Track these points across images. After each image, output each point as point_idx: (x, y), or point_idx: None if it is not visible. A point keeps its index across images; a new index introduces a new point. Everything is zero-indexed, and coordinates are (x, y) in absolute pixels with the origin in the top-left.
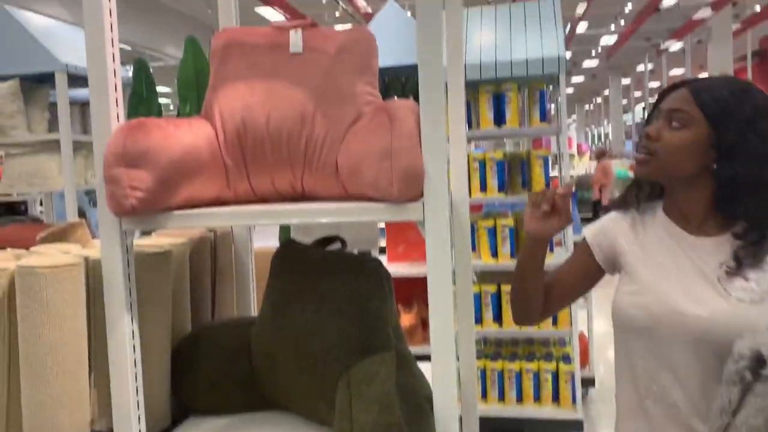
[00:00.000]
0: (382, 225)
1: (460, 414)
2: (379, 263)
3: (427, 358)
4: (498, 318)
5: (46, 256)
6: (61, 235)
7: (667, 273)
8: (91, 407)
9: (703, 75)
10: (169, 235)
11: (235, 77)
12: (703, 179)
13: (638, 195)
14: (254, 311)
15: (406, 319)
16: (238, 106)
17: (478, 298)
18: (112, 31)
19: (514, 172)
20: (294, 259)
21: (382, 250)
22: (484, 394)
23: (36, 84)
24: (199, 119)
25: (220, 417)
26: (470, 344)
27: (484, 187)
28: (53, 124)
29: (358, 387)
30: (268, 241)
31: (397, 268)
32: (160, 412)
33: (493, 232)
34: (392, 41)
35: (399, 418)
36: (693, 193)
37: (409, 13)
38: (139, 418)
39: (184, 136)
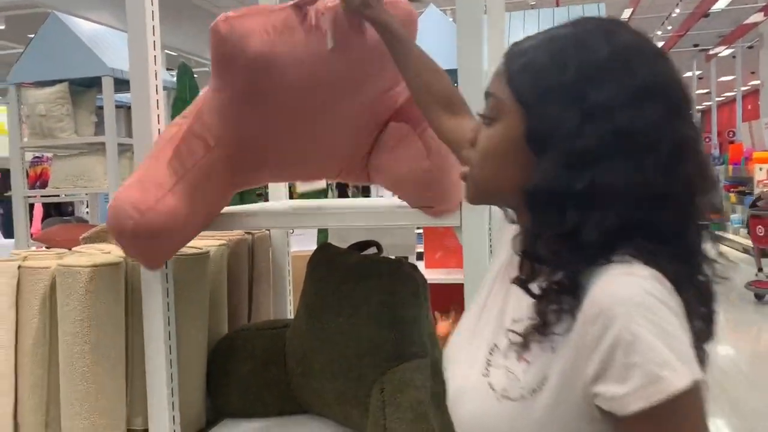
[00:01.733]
0: (419, 231)
1: None
2: (415, 269)
3: None
4: None
5: (86, 255)
6: (103, 236)
7: (470, 325)
8: (128, 406)
9: (753, 82)
10: (208, 238)
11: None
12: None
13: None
14: (290, 314)
15: (443, 327)
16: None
17: None
18: (154, 34)
19: None
20: (329, 263)
21: (420, 256)
22: None
23: (84, 88)
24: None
25: (254, 420)
26: None
27: None
28: (99, 127)
29: (392, 394)
30: (306, 245)
31: (434, 275)
32: (195, 414)
33: None
34: (433, 46)
35: (432, 427)
36: (522, 216)
37: (450, 18)
38: (174, 419)
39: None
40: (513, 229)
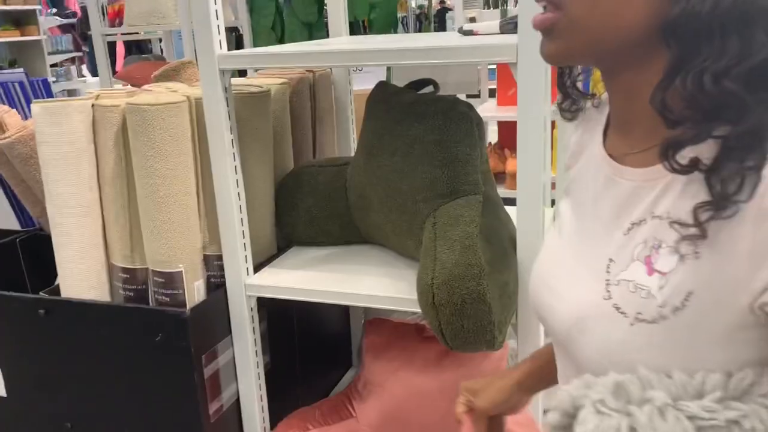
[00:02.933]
0: (492, 67)
1: None
2: (470, 107)
3: None
4: None
5: (154, 94)
6: (173, 74)
7: (565, 237)
8: (202, 234)
9: None
10: (268, 76)
11: None
12: (654, 53)
13: (568, 85)
14: (353, 152)
15: (513, 164)
16: None
17: None
18: None
19: None
20: (386, 102)
21: (492, 93)
22: None
23: None
24: None
25: (320, 248)
26: (534, 191)
27: None
28: None
29: (443, 228)
30: (372, 84)
31: (506, 112)
32: (266, 242)
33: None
34: None
35: (480, 258)
36: (635, 80)
37: None
38: (245, 246)
39: None
40: (576, 131)
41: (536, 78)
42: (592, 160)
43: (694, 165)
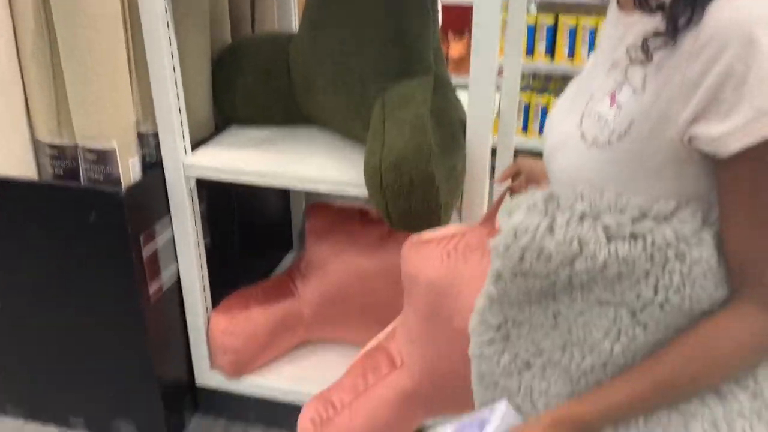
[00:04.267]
0: None
1: (495, 143)
2: None
3: None
4: (551, 51)
5: None
6: None
7: (578, 81)
8: (135, 109)
9: None
10: None
11: None
12: None
13: None
14: (295, 28)
15: (456, 49)
16: None
17: (532, 30)
18: None
19: None
20: None
21: None
22: (525, 128)
23: None
24: None
25: (260, 128)
26: (515, 75)
27: None
28: None
29: (393, 109)
30: None
31: None
32: (203, 120)
33: (573, 34)
34: None
35: (429, 140)
36: None
37: None
38: (181, 123)
39: None
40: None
41: None
42: (612, 9)
43: (660, 6)
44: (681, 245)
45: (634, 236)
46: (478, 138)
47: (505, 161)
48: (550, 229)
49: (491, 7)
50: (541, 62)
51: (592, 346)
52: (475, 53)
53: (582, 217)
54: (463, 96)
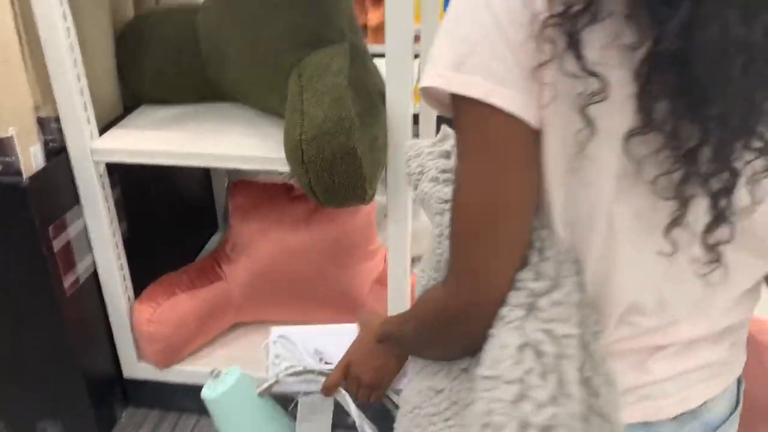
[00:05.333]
0: None
1: (416, 112)
2: None
3: None
4: None
5: None
6: None
7: None
8: (32, 92)
9: None
10: None
11: None
12: None
13: None
14: None
15: (375, 16)
16: None
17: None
18: None
19: None
20: None
21: None
22: None
23: None
24: None
25: (172, 106)
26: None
27: None
28: None
29: (310, 79)
30: None
31: None
32: (109, 101)
33: None
34: None
35: (350, 111)
36: None
37: None
38: (85, 105)
39: None
40: None
41: None
42: None
43: None
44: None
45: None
46: (399, 107)
47: (428, 129)
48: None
49: None
50: None
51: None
52: (390, 20)
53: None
54: (382, 65)
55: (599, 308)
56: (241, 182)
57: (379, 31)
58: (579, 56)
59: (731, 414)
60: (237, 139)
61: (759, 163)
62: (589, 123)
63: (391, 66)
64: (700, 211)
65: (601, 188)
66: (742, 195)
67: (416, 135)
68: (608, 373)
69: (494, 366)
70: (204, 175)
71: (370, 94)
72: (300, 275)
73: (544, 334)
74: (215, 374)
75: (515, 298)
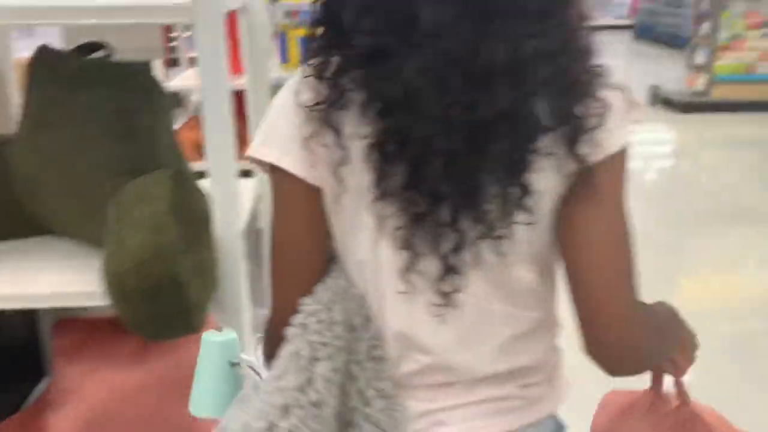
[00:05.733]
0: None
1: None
2: (148, 72)
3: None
4: None
5: None
6: None
7: None
8: None
9: None
10: None
11: None
12: None
13: None
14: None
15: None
16: None
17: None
18: None
19: None
20: (51, 68)
21: (194, 62)
22: None
23: None
24: None
25: None
26: None
27: None
28: None
29: (129, 208)
30: None
31: None
32: None
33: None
34: None
35: (171, 238)
36: None
37: None
38: None
39: None
40: None
41: (215, 41)
42: None
43: None
44: None
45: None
46: (227, 228)
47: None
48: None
49: (217, 93)
50: None
51: None
52: (209, 139)
53: None
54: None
55: (384, 339)
56: (65, 321)
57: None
58: (331, 132)
59: None
60: (57, 275)
61: (480, 228)
62: (340, 183)
63: (215, 185)
64: (432, 263)
65: (361, 235)
66: (483, 251)
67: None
68: (385, 389)
69: (273, 370)
70: (26, 315)
71: (194, 217)
72: (136, 416)
73: (305, 344)
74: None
75: (296, 318)
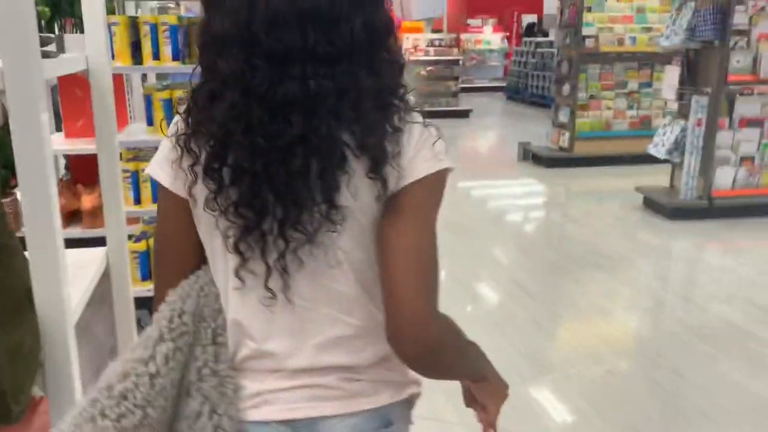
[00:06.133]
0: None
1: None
2: None
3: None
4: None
5: None
6: None
7: None
8: None
9: None
10: None
11: None
12: None
13: None
14: None
15: (89, 201)
16: None
17: (136, 175)
18: None
19: (192, 38)
20: None
21: (59, 126)
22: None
23: None
24: None
25: None
26: (119, 225)
27: (157, 55)
28: None
29: None
30: None
31: (75, 145)
32: None
33: (169, 105)
34: None
35: None
36: None
37: None
38: None
39: None
40: None
41: (32, 103)
42: None
43: None
44: None
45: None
46: (49, 305)
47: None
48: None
49: (33, 158)
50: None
51: None
52: (27, 209)
53: None
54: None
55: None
56: None
57: (96, 215)
58: (188, 158)
59: None
60: None
61: (299, 237)
62: (193, 199)
63: (34, 261)
64: (260, 265)
65: (212, 240)
66: (305, 257)
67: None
68: (220, 370)
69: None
70: None
71: (11, 297)
72: None
73: (156, 327)
74: None
75: (160, 307)
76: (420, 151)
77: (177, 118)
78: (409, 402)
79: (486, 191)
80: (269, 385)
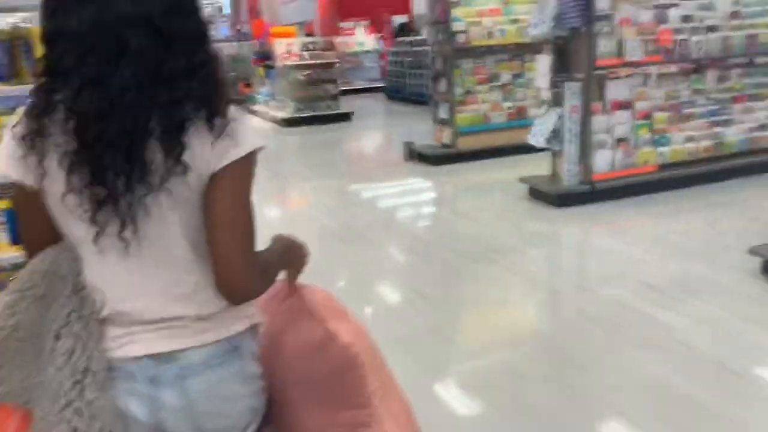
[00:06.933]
0: None
1: None
2: None
3: None
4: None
5: None
6: None
7: None
8: None
9: None
10: None
11: None
12: None
13: None
14: None
15: None
16: None
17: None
18: None
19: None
20: None
21: None
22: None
23: None
24: None
25: None
26: None
27: None
28: None
29: None
30: None
31: None
32: None
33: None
34: None
35: None
36: None
37: None
38: None
39: None
40: None
41: None
42: None
43: None
44: None
45: None
46: None
47: None
48: None
49: None
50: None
51: None
52: None
53: None
54: None
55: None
56: None
57: None
58: (33, 156)
59: (215, 362)
60: None
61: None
62: (43, 190)
63: None
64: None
65: (67, 218)
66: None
67: None
68: (86, 314)
69: None
70: None
71: None
72: None
73: (12, 284)
74: None
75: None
76: (232, 140)
77: (18, 117)
78: (253, 329)
79: (375, 193)
80: (131, 330)
